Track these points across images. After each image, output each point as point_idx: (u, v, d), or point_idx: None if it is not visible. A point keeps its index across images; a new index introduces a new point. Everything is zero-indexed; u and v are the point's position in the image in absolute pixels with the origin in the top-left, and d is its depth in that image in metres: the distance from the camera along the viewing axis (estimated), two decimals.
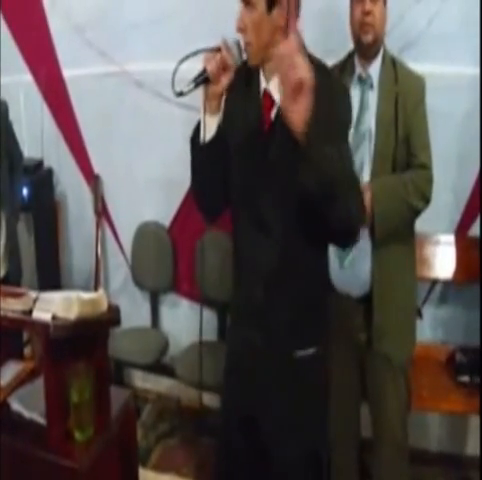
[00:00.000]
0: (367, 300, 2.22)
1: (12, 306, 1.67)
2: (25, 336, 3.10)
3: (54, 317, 1.60)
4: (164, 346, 3.20)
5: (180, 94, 1.63)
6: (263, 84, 1.75)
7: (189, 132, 1.84)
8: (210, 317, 3.16)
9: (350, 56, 2.28)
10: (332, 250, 2.23)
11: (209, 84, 1.68)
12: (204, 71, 1.66)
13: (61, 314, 1.61)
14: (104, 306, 1.73)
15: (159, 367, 3.25)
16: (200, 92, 1.75)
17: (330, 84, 1.65)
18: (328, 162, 1.48)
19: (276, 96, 1.70)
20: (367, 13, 2.09)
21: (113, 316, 1.76)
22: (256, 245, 1.79)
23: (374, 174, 2.17)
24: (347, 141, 1.72)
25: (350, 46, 2.26)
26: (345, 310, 2.29)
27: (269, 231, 1.75)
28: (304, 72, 1.38)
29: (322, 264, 1.89)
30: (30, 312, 1.64)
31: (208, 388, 2.78)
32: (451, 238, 2.69)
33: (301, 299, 1.77)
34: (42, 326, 1.60)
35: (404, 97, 2.16)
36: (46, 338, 1.62)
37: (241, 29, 1.66)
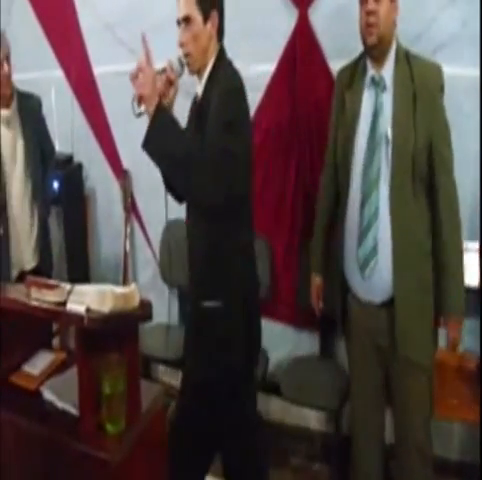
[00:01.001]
0: (389, 304, 2.19)
1: (46, 297, 1.70)
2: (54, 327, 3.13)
3: (88, 309, 1.62)
4: None
5: (139, 115, 1.93)
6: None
7: None
8: None
9: (361, 57, 2.25)
10: (354, 261, 2.22)
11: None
12: None
13: (95, 307, 1.63)
14: (136, 301, 1.74)
15: None
16: None
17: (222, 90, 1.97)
18: (165, 137, 1.91)
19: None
20: (370, 13, 2.07)
21: (145, 311, 1.77)
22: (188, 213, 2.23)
23: (393, 180, 2.11)
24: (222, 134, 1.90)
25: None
26: (367, 315, 2.28)
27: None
28: (143, 89, 1.87)
29: (228, 233, 2.09)
30: (64, 304, 1.66)
31: None
32: (478, 245, 2.65)
33: (208, 260, 2.11)
34: (76, 318, 1.61)
35: (421, 90, 2.09)
36: (80, 330, 1.64)
37: (183, 43, 2.04)
